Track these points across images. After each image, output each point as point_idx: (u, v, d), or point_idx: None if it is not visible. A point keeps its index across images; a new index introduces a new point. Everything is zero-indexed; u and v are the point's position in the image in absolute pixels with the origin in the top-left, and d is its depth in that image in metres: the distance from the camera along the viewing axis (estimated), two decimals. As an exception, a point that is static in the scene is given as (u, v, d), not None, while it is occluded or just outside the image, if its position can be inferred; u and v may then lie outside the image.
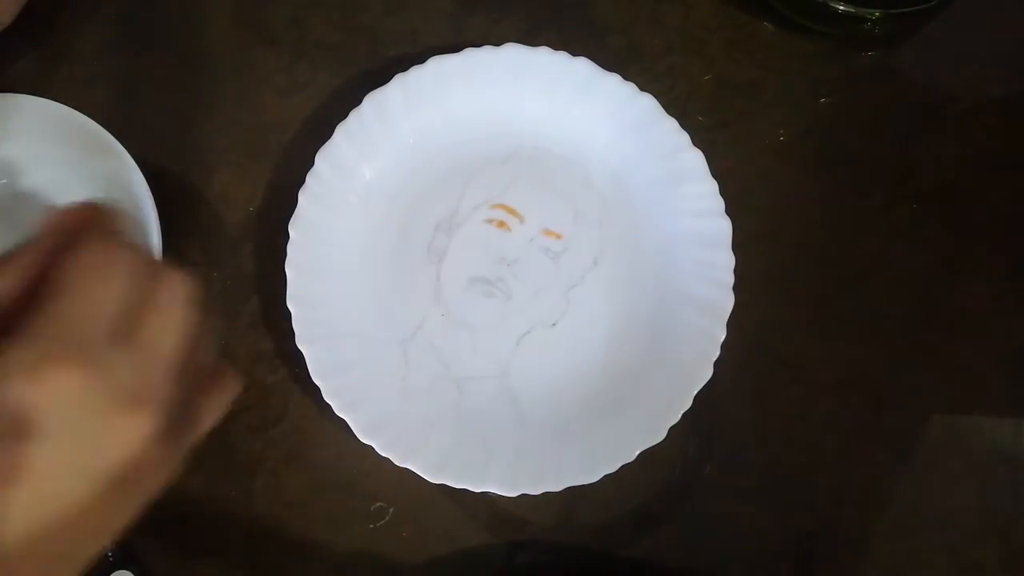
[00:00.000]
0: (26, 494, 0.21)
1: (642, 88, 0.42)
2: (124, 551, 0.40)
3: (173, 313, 0.24)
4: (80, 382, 0.21)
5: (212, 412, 0.27)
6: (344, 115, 0.40)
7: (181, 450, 0.25)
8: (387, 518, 0.41)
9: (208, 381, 0.27)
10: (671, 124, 0.41)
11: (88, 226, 0.24)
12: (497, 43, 0.42)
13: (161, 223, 0.38)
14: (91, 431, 0.21)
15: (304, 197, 0.40)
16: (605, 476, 0.38)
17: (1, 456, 0.20)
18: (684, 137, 0.41)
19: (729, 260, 0.40)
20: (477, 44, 0.42)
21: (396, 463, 0.38)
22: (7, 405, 0.20)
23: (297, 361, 0.39)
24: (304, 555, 0.41)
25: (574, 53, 0.42)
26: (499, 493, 0.38)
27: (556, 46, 0.42)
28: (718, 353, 0.39)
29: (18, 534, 0.21)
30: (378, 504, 0.41)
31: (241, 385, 0.29)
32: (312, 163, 0.40)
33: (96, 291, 0.22)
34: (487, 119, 0.43)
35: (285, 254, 0.39)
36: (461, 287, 0.41)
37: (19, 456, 0.20)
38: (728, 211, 0.41)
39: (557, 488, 0.38)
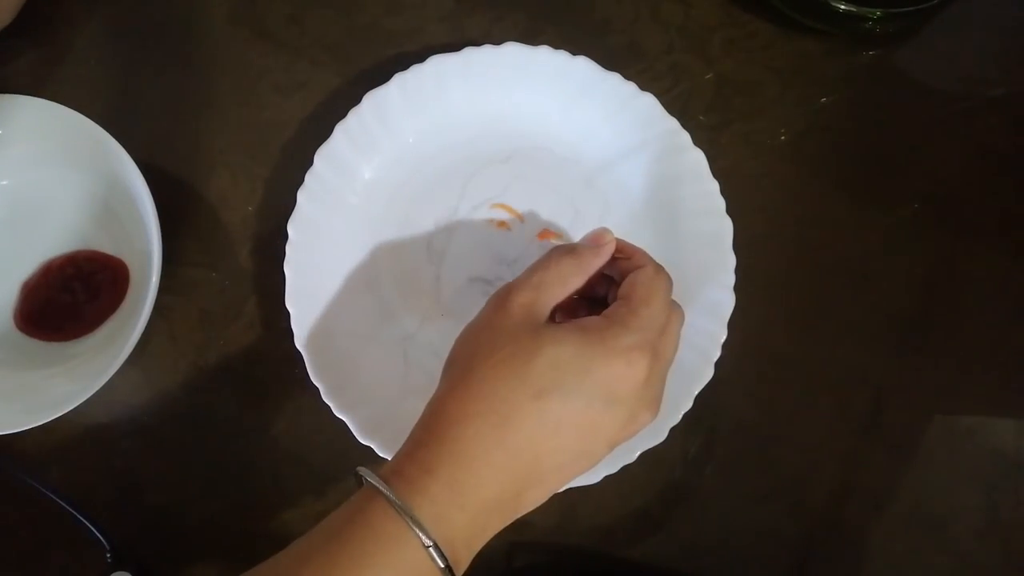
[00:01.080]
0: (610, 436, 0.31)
1: (643, 87, 0.42)
2: (122, 552, 0.40)
3: (676, 334, 0.32)
4: (645, 374, 0.30)
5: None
6: (343, 114, 0.40)
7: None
8: (387, 518, 0.41)
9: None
10: (672, 123, 0.41)
11: (629, 253, 0.34)
12: (497, 42, 0.42)
13: (160, 223, 0.38)
14: (629, 414, 0.30)
15: (303, 196, 0.40)
16: (606, 477, 0.38)
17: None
18: (685, 136, 0.41)
19: (730, 260, 0.40)
20: (477, 43, 0.42)
21: (396, 463, 0.37)
22: (608, 365, 0.30)
23: (296, 361, 0.39)
24: (303, 556, 0.41)
25: (575, 52, 0.42)
26: (499, 493, 0.37)
27: (556, 45, 0.42)
28: (719, 353, 0.39)
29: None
30: (378, 504, 0.41)
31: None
32: (311, 162, 0.40)
33: (657, 309, 0.31)
34: (487, 118, 0.42)
35: (284, 254, 0.39)
36: (461, 287, 0.41)
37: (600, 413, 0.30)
38: (729, 211, 0.41)
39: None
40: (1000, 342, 0.44)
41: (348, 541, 0.28)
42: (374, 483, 0.29)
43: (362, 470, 0.30)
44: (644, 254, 0.34)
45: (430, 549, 0.28)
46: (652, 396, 0.31)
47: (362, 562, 0.28)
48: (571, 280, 0.33)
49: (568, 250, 0.33)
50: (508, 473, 0.29)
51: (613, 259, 0.34)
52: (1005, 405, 0.44)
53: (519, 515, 0.30)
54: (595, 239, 0.34)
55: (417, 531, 0.28)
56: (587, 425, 0.30)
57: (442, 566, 0.28)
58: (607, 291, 0.34)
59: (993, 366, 0.44)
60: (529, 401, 0.29)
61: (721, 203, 0.41)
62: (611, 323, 0.30)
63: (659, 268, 0.33)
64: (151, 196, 0.38)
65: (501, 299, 0.32)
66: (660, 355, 0.31)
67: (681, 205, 0.41)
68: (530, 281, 0.32)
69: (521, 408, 0.29)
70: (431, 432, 0.30)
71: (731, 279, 0.40)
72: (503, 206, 0.42)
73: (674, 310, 0.33)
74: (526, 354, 0.30)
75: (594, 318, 0.31)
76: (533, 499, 0.30)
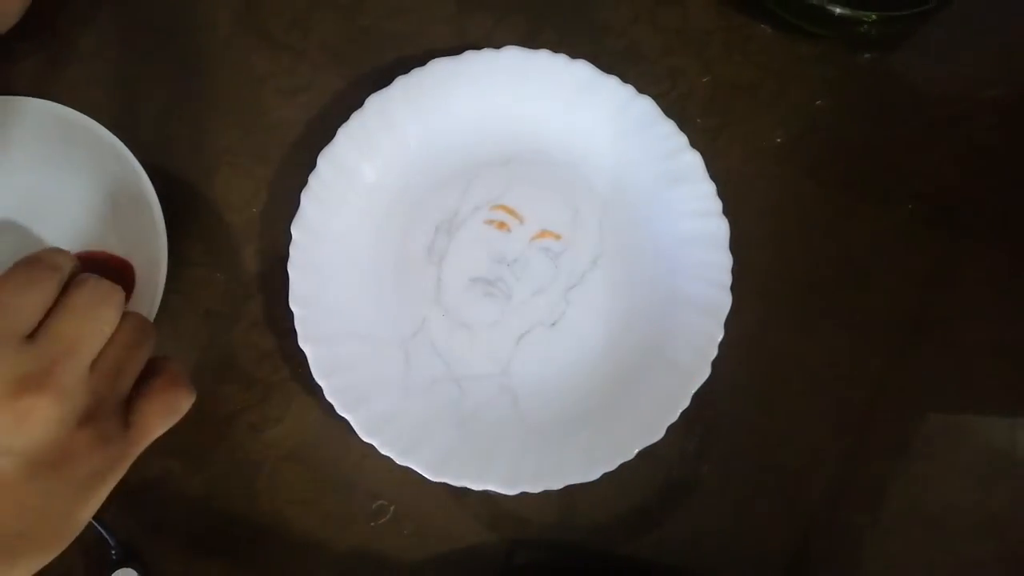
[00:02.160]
0: None
1: (641, 90, 0.42)
2: (127, 549, 0.40)
3: (83, 310, 0.27)
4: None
5: (160, 417, 0.29)
6: (346, 116, 0.41)
7: (127, 447, 0.28)
8: (388, 516, 0.41)
9: (154, 386, 0.29)
10: (670, 125, 0.42)
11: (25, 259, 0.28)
12: (498, 45, 0.42)
13: (165, 224, 0.38)
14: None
15: (306, 198, 0.40)
16: (604, 474, 0.38)
17: None
18: (683, 138, 0.41)
19: (727, 260, 0.40)
20: (478, 46, 0.42)
21: (397, 462, 0.38)
22: None
23: (299, 361, 0.39)
24: (305, 553, 0.41)
25: (574, 55, 0.42)
26: (499, 491, 0.38)
27: (556, 48, 0.42)
28: (716, 353, 0.39)
29: None
30: (379, 502, 0.41)
31: (192, 396, 0.31)
32: (314, 164, 0.40)
33: (16, 298, 0.26)
34: (488, 120, 0.43)
35: (287, 255, 0.39)
36: (461, 287, 0.42)
37: None
38: (726, 212, 0.41)
39: (557, 486, 0.38)
40: (998, 341, 0.44)
41: None
42: None
43: None
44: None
45: None
46: (19, 377, 0.25)
47: None
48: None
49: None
50: None
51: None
52: (1003, 404, 0.44)
53: None
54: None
55: None
56: None
57: None
58: None
59: (991, 365, 0.44)
60: None
61: (718, 204, 0.41)
62: None
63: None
64: (158, 198, 0.38)
65: None
66: (49, 333, 0.26)
67: (678, 206, 0.41)
68: None
69: None
70: None
71: (728, 279, 0.40)
72: (503, 207, 0.42)
73: (75, 287, 0.27)
74: None
75: None
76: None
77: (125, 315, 0.29)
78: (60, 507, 0.26)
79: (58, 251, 0.29)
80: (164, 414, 0.29)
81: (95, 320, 0.27)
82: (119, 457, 0.28)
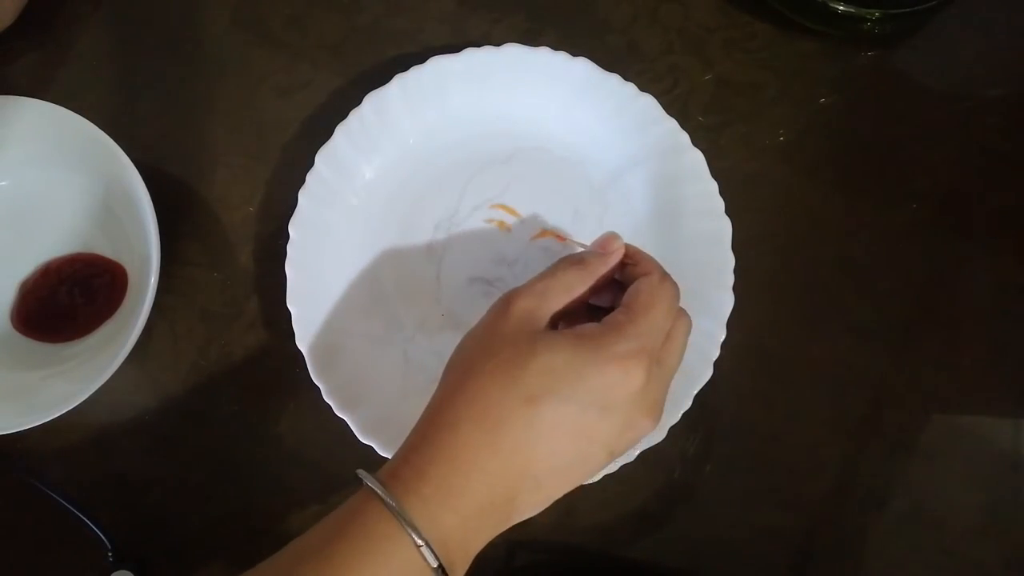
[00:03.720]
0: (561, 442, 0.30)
1: (642, 88, 0.42)
2: (123, 551, 0.40)
3: (682, 342, 0.33)
4: (642, 381, 0.30)
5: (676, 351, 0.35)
6: (344, 115, 0.41)
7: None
8: (387, 518, 0.41)
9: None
10: (671, 124, 0.41)
11: (637, 259, 0.34)
12: (497, 43, 0.42)
13: (161, 224, 0.38)
14: (626, 421, 0.30)
15: (304, 197, 0.40)
16: (605, 476, 0.38)
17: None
18: (684, 137, 0.41)
19: (729, 260, 0.40)
20: (477, 44, 0.42)
21: (396, 463, 0.38)
22: (602, 372, 0.29)
23: (297, 361, 0.39)
24: (304, 555, 0.41)
25: (574, 53, 0.42)
26: (499, 493, 0.38)
27: (556, 46, 0.42)
28: (718, 353, 0.39)
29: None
30: (378, 504, 0.41)
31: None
32: (312, 163, 0.40)
33: (659, 317, 0.31)
34: (487, 119, 0.43)
35: (285, 254, 0.39)
36: (461, 287, 0.41)
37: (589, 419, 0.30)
38: (728, 211, 0.41)
39: (557, 488, 0.38)
40: (999, 342, 0.44)
41: (344, 540, 0.28)
42: (370, 484, 0.29)
43: (361, 472, 0.30)
44: (651, 261, 0.34)
45: (422, 549, 0.28)
46: (650, 403, 0.31)
47: (357, 561, 0.28)
48: (575, 289, 0.33)
49: (575, 260, 0.33)
50: (499, 477, 0.29)
51: (621, 264, 0.34)
52: (1004, 405, 0.44)
53: (516, 520, 0.31)
54: (603, 245, 0.34)
55: (409, 531, 0.28)
56: (581, 431, 0.30)
57: (434, 565, 0.28)
58: (613, 298, 0.34)
59: (992, 366, 0.44)
60: (521, 406, 0.29)
61: (720, 203, 0.41)
62: (608, 330, 0.31)
63: (664, 276, 0.33)
64: (150, 199, 0.38)
65: (503, 305, 0.32)
66: (661, 362, 0.31)
67: (680, 205, 0.41)
68: (533, 288, 0.32)
69: (513, 413, 0.29)
70: (425, 436, 0.30)
71: (730, 279, 0.40)
72: (503, 206, 0.42)
73: (680, 317, 0.33)
74: (521, 359, 0.30)
75: (592, 325, 0.31)
76: (529, 505, 0.30)
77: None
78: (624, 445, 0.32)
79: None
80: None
81: (683, 351, 0.33)
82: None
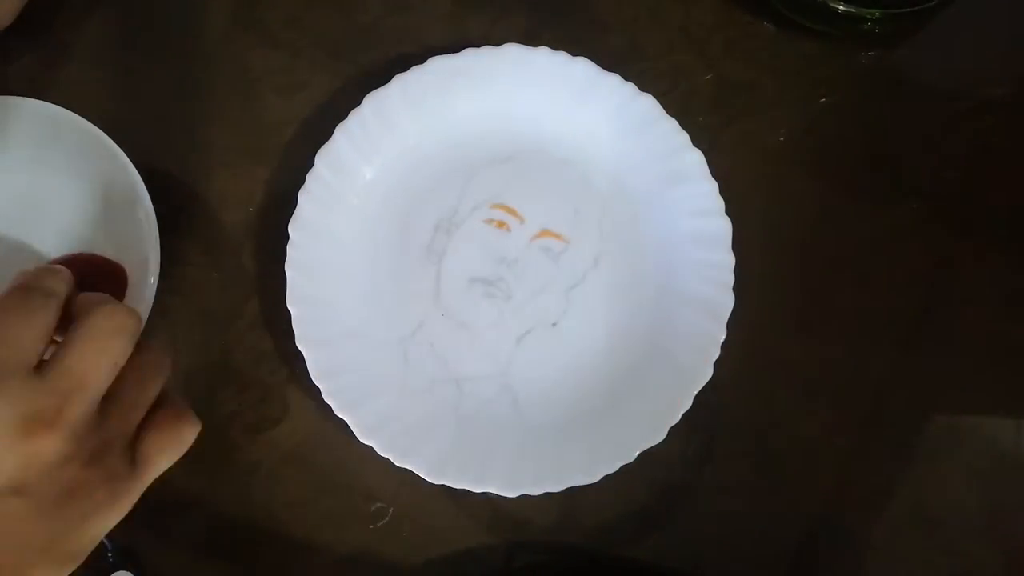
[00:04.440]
0: None
1: (642, 88, 0.42)
2: (124, 551, 0.40)
3: (94, 342, 0.25)
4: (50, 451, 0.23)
5: (166, 454, 0.29)
6: (344, 115, 0.40)
7: (133, 483, 0.27)
8: (387, 518, 0.41)
9: (161, 419, 0.29)
10: (671, 124, 0.41)
11: (15, 283, 0.27)
12: (497, 43, 0.42)
13: (161, 225, 0.38)
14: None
15: (304, 198, 0.40)
16: (605, 476, 0.38)
17: None
18: (684, 137, 0.41)
19: (729, 260, 0.40)
20: (477, 44, 0.42)
21: (396, 463, 0.38)
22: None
23: (297, 361, 0.39)
24: (304, 555, 0.41)
25: (574, 53, 0.42)
26: (499, 493, 0.38)
27: (556, 46, 0.42)
28: (718, 353, 0.39)
29: None
30: (378, 504, 0.41)
31: (197, 427, 0.30)
32: (312, 164, 0.40)
33: (9, 332, 0.25)
34: (487, 119, 0.43)
35: (285, 255, 0.39)
36: (461, 287, 0.41)
37: None
38: (728, 211, 0.41)
39: (557, 488, 0.38)
40: (1000, 341, 0.44)
41: None
42: None
43: None
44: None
45: None
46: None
47: None
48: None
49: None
50: None
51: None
52: (1005, 404, 0.44)
53: None
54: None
55: None
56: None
57: None
58: None
59: (993, 365, 0.44)
60: None
61: (720, 203, 0.41)
62: None
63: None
64: (150, 199, 0.38)
65: None
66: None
67: (680, 205, 0.41)
68: None
69: None
70: None
71: (730, 279, 0.40)
72: (503, 206, 0.42)
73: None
74: None
75: None
76: None
77: (138, 346, 0.27)
78: (65, 541, 0.26)
79: (50, 271, 0.28)
80: (171, 450, 0.29)
81: (107, 353, 0.26)
82: (125, 492, 0.27)
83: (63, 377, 0.25)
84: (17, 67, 0.44)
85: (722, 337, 0.39)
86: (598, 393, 0.40)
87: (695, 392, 0.39)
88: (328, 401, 0.38)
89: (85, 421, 0.25)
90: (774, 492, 0.42)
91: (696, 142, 0.41)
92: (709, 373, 0.39)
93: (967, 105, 0.46)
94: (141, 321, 0.27)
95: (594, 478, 0.38)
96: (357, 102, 0.41)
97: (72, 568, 0.26)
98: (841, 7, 0.42)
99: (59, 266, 0.29)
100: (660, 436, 0.38)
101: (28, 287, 0.27)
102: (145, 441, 0.28)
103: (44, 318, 0.26)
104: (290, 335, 0.39)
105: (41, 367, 0.25)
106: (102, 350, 0.25)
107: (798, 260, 0.44)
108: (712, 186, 0.41)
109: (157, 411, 0.29)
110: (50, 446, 0.24)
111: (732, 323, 0.40)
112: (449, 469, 0.38)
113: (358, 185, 0.41)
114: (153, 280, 0.37)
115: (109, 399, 0.26)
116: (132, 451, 0.27)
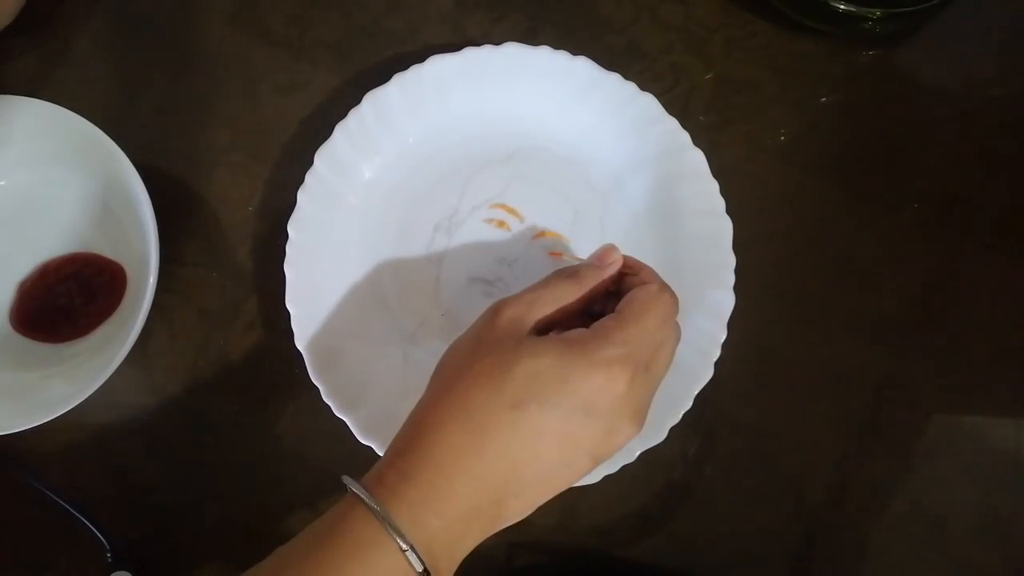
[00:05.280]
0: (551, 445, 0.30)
1: (643, 87, 0.42)
2: (122, 551, 0.40)
3: (671, 351, 0.32)
4: (625, 386, 0.30)
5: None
6: (343, 114, 0.40)
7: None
8: (387, 518, 0.41)
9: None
10: (672, 123, 0.41)
11: (636, 270, 0.34)
12: (497, 42, 0.42)
13: (160, 223, 0.38)
14: (609, 426, 0.30)
15: (303, 197, 0.40)
16: (605, 477, 0.38)
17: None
18: (685, 136, 0.41)
19: (730, 260, 0.40)
20: (477, 43, 0.42)
21: (396, 463, 0.37)
22: (586, 376, 0.29)
23: (296, 361, 0.39)
24: (304, 556, 0.41)
25: (575, 52, 0.42)
26: (499, 494, 0.37)
27: (557, 45, 0.42)
28: (719, 353, 0.39)
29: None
30: (378, 504, 0.41)
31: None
32: (311, 163, 0.40)
33: (651, 325, 0.31)
34: (487, 118, 0.42)
35: (284, 254, 0.39)
36: (461, 287, 0.41)
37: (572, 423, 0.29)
38: (729, 211, 0.41)
39: (557, 488, 0.38)
40: (1000, 341, 0.44)
41: (330, 546, 0.28)
42: (354, 490, 0.29)
43: (346, 478, 0.30)
44: (651, 272, 0.34)
45: (407, 553, 0.28)
46: (634, 410, 0.31)
47: (344, 566, 0.28)
48: (566, 299, 0.33)
49: (570, 272, 0.33)
50: (484, 482, 0.29)
51: (621, 275, 0.34)
52: (1005, 404, 0.44)
53: (502, 526, 0.30)
54: (601, 257, 0.34)
55: (394, 535, 0.28)
56: (565, 436, 0.29)
57: (419, 570, 0.28)
58: (605, 307, 0.34)
59: (993, 365, 0.44)
60: (506, 411, 0.29)
61: (721, 203, 0.41)
62: (595, 335, 0.31)
63: (664, 287, 0.33)
64: (149, 199, 0.38)
65: (491, 313, 0.32)
66: (648, 370, 0.31)
67: (681, 205, 0.41)
68: (523, 297, 0.32)
69: (498, 417, 0.29)
70: (411, 440, 0.30)
71: (731, 279, 0.40)
72: (503, 206, 0.42)
73: (672, 330, 0.32)
74: (506, 364, 0.30)
75: (579, 330, 0.31)
76: (515, 510, 0.30)
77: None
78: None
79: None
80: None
81: (671, 360, 0.33)
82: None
83: (656, 376, 0.32)
84: (17, 67, 0.44)
85: (723, 337, 0.39)
86: (598, 393, 0.40)
87: (695, 392, 0.39)
88: (328, 401, 0.38)
89: (644, 367, 0.31)
90: (774, 492, 0.42)
91: (696, 141, 0.41)
92: (710, 373, 0.39)
93: (968, 105, 0.46)
94: (678, 300, 0.33)
95: (595, 478, 0.38)
96: (357, 101, 0.41)
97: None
98: (842, 6, 0.42)
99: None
100: (661, 436, 0.38)
101: (653, 283, 0.33)
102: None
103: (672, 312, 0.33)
104: (289, 334, 0.38)
105: (623, 323, 0.31)
106: (672, 358, 0.33)
107: (798, 260, 0.44)
108: (713, 186, 0.41)
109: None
110: (633, 433, 0.31)
111: (732, 323, 0.39)
112: (449, 469, 0.38)
113: (358, 184, 0.41)
114: (152, 279, 0.37)
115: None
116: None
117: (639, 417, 0.31)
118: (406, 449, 0.30)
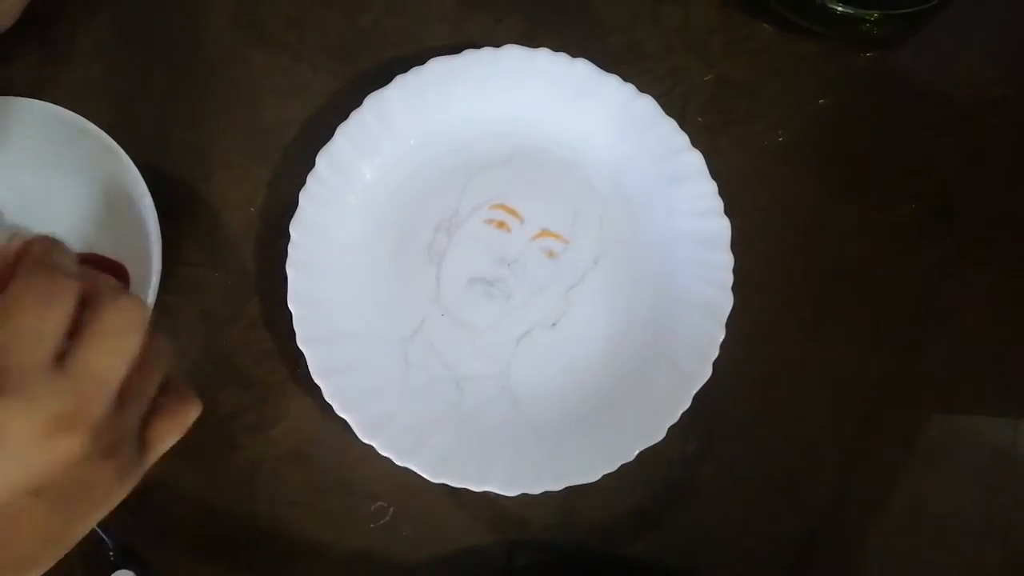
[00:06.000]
0: None
1: (642, 89, 0.42)
2: (125, 551, 0.40)
3: (113, 338, 0.24)
4: (6, 410, 0.22)
5: (168, 435, 0.28)
6: (345, 116, 0.41)
7: (134, 468, 0.27)
8: (387, 518, 0.41)
9: (165, 404, 0.28)
10: (671, 125, 0.41)
11: (26, 259, 0.25)
12: (497, 44, 0.42)
13: (162, 225, 0.38)
14: (16, 451, 0.23)
15: (305, 198, 0.40)
16: (605, 475, 0.38)
17: None
18: (683, 138, 0.41)
19: (728, 260, 0.40)
20: (477, 45, 0.42)
21: (396, 463, 0.38)
22: None
23: (298, 361, 0.39)
24: (304, 555, 0.41)
25: (574, 54, 0.42)
26: (499, 492, 0.38)
27: (556, 47, 0.42)
28: (717, 353, 0.39)
29: None
30: (378, 504, 0.41)
31: (199, 409, 0.29)
32: (313, 164, 0.40)
33: (32, 322, 0.23)
34: (487, 120, 0.43)
35: (286, 255, 0.39)
36: (461, 287, 0.42)
37: None
38: (727, 211, 0.41)
39: (557, 487, 0.38)
40: (999, 342, 0.44)
41: None
42: None
43: None
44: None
45: None
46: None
47: None
48: None
49: None
50: None
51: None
52: (1004, 404, 0.44)
53: None
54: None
55: None
56: None
57: None
58: None
59: (992, 365, 0.44)
60: None
61: (719, 204, 0.41)
62: None
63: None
64: (152, 200, 0.38)
65: None
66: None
67: (680, 206, 0.41)
68: None
69: None
70: None
71: (729, 279, 0.40)
72: (503, 207, 0.42)
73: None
74: None
75: None
76: None
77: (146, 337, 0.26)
78: (72, 530, 0.26)
79: (56, 245, 0.26)
80: (176, 432, 0.29)
81: (125, 350, 0.25)
82: (131, 478, 0.27)
83: (84, 376, 0.24)
84: (19, 68, 0.44)
85: (721, 337, 0.39)
86: (598, 393, 0.40)
87: (695, 392, 0.39)
88: (329, 401, 0.38)
89: (106, 418, 0.24)
90: (774, 492, 0.42)
91: (695, 142, 0.41)
92: (708, 373, 0.39)
93: (965, 106, 0.46)
94: (150, 312, 0.26)
95: (594, 477, 0.38)
96: (358, 103, 0.41)
97: (67, 551, 0.26)
98: (840, 8, 0.42)
99: (58, 238, 0.26)
100: (660, 435, 0.38)
101: (45, 265, 0.25)
102: (152, 427, 0.28)
103: (65, 303, 0.24)
104: (291, 335, 0.39)
105: (60, 361, 0.23)
106: (120, 347, 0.25)
107: (798, 260, 0.44)
108: (712, 186, 0.41)
109: (161, 395, 0.28)
110: (74, 447, 0.23)
111: (732, 323, 0.40)
112: (449, 468, 0.38)
113: (359, 185, 0.41)
114: (154, 280, 0.37)
115: (123, 393, 0.25)
116: (139, 438, 0.27)
117: (68, 426, 0.23)
118: None
